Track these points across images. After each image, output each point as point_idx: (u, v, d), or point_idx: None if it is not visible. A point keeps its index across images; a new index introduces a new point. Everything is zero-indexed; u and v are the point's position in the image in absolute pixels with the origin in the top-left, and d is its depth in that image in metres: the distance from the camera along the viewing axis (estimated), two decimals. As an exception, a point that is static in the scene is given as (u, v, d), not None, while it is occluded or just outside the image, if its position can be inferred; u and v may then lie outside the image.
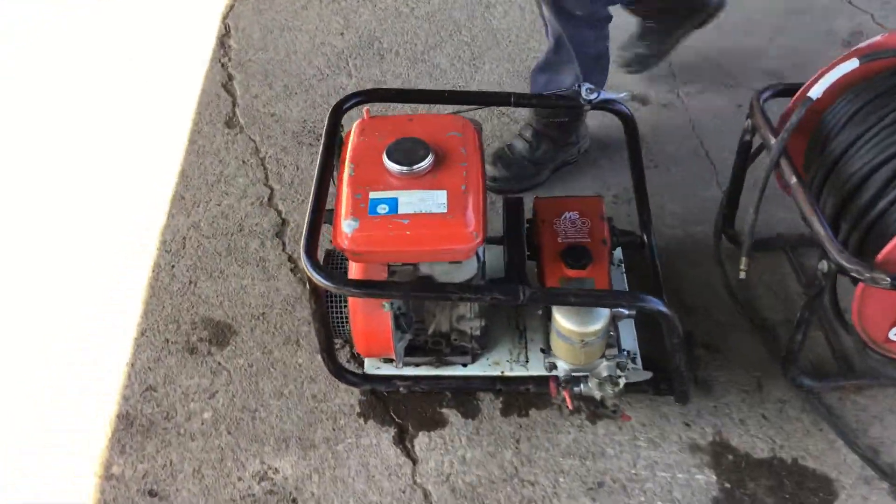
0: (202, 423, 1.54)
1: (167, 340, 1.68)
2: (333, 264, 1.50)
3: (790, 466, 1.44)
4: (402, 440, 1.51)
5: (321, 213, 1.35)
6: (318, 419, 1.54)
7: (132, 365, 1.64)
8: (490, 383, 1.53)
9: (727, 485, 1.42)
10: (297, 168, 2.03)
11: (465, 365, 1.54)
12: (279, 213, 1.93)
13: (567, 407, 1.42)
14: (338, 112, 1.52)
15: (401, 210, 1.27)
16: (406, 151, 1.32)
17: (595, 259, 1.46)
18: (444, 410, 1.55)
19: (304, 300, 1.74)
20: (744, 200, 1.68)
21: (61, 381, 1.62)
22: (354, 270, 1.38)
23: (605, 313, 1.31)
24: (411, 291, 1.25)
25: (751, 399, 1.54)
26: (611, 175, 1.97)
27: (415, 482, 1.45)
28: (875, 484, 1.40)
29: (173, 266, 1.82)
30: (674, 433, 1.49)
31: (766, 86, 1.54)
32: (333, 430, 1.52)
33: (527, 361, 1.54)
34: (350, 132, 1.44)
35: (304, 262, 1.27)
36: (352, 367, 1.59)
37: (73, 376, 1.63)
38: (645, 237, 1.63)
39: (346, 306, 1.45)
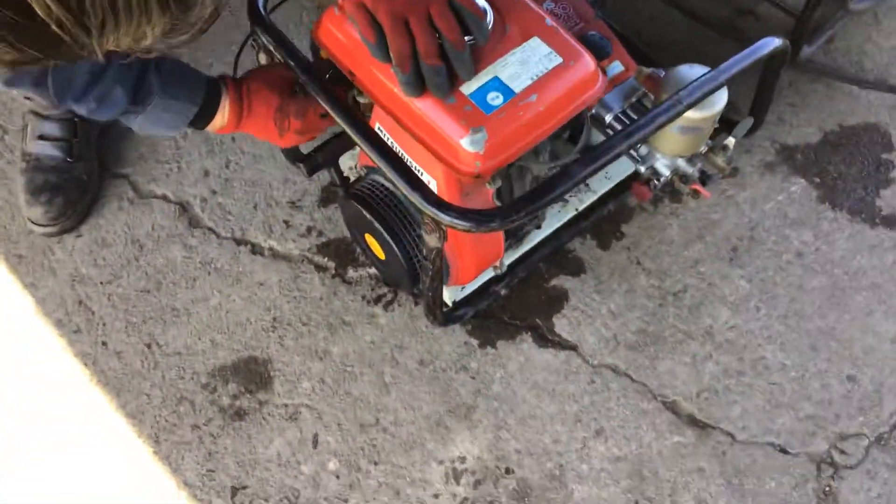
0: (338, 477, 1.18)
1: (195, 426, 1.22)
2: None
3: (841, 132, 1.46)
4: (545, 337, 1.29)
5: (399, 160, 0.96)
6: (450, 379, 1.25)
7: (186, 484, 1.17)
8: (576, 227, 1.33)
9: (816, 179, 1.43)
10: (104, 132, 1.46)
11: (539, 226, 1.31)
12: (164, 197, 1.41)
13: (703, 195, 1.28)
14: (259, 14, 1.05)
15: (515, 87, 0.94)
16: (448, 16, 0.96)
17: (610, 39, 1.25)
18: (553, 283, 1.33)
19: (301, 275, 1.33)
20: None
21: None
22: (446, 190, 1.03)
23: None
24: (591, 164, 0.95)
25: (769, 95, 1.51)
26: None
27: (592, 366, 1.26)
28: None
29: (104, 343, 1.28)
30: (746, 166, 1.44)
31: None
32: (475, 378, 1.25)
33: (586, 185, 1.35)
34: (321, 30, 1.02)
35: (447, 219, 0.91)
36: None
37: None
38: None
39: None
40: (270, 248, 1.36)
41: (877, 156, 1.45)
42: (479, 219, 0.91)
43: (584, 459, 1.19)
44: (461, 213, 0.92)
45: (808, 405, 1.23)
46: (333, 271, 1.34)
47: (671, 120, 1.03)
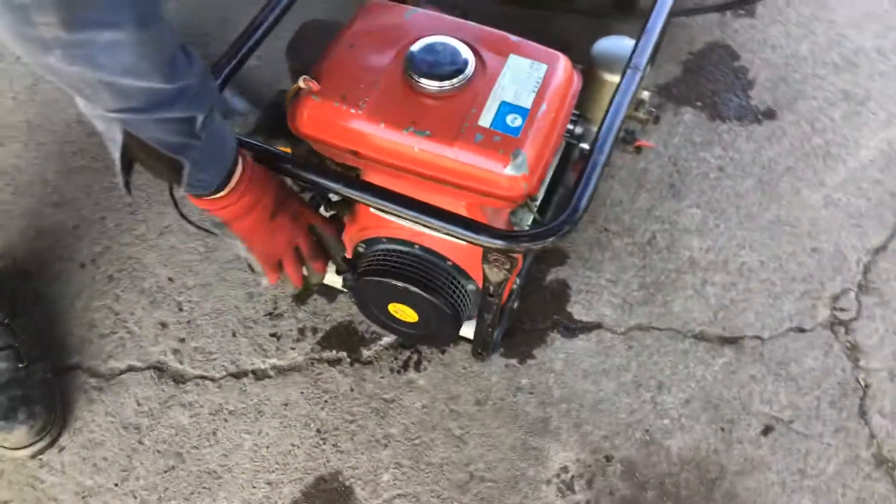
0: (468, 545, 1.15)
1: (302, 573, 1.12)
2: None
3: (694, 59, 1.66)
4: (570, 328, 1.33)
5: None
6: (513, 404, 1.26)
7: None
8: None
9: (698, 103, 1.60)
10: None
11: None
12: (132, 368, 1.27)
13: (649, 146, 1.39)
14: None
15: (525, 104, 0.98)
16: (430, 63, 0.97)
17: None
18: (549, 279, 1.38)
19: (319, 378, 1.27)
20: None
21: None
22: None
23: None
24: (606, 145, 1.01)
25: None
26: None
27: (622, 333, 1.33)
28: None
29: (156, 541, 1.14)
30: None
31: None
32: (533, 392, 1.27)
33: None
34: (302, 122, 0.98)
35: (524, 246, 0.93)
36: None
37: None
38: None
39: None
40: (274, 367, 1.28)
41: (730, 66, 1.65)
42: (553, 231, 0.94)
43: (661, 416, 1.26)
44: (534, 235, 0.94)
45: (797, 286, 1.39)
46: (349, 359, 1.29)
47: (639, 86, 1.11)
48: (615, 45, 1.22)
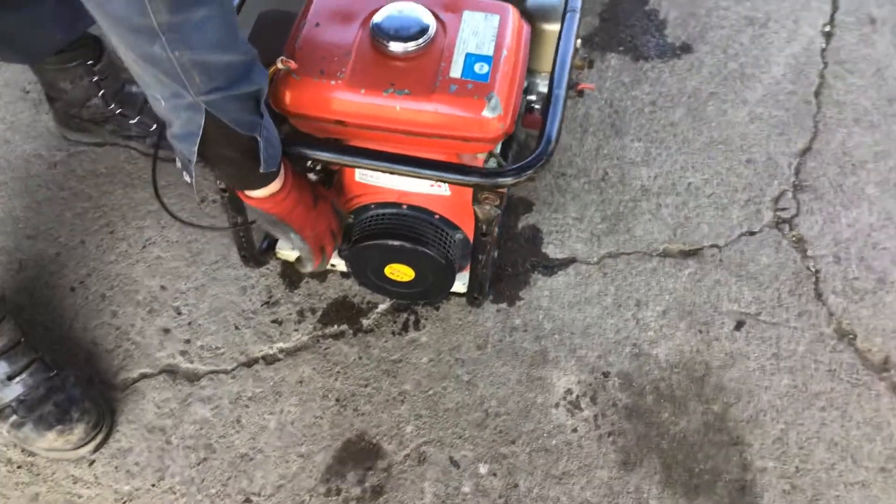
0: (495, 475, 1.24)
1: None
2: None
3: (608, 8, 1.78)
4: (549, 266, 1.43)
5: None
6: (511, 344, 1.35)
7: (386, 575, 1.15)
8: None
9: (620, 48, 1.73)
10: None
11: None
12: (144, 376, 1.30)
13: (590, 88, 1.49)
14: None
15: (488, 52, 1.07)
16: (396, 28, 1.05)
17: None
18: (520, 226, 1.48)
19: (327, 352, 1.33)
20: None
21: None
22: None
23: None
24: (560, 85, 1.11)
25: None
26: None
27: (595, 264, 1.44)
28: None
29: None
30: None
31: None
32: (526, 330, 1.37)
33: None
34: (286, 100, 1.05)
35: (510, 180, 1.03)
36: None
37: None
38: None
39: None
40: (282, 350, 1.33)
41: (642, 11, 1.78)
42: (534, 163, 1.03)
43: (644, 329, 1.37)
44: (519, 168, 1.03)
45: (740, 195, 1.52)
46: (351, 330, 1.35)
47: (580, 27, 1.22)
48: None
